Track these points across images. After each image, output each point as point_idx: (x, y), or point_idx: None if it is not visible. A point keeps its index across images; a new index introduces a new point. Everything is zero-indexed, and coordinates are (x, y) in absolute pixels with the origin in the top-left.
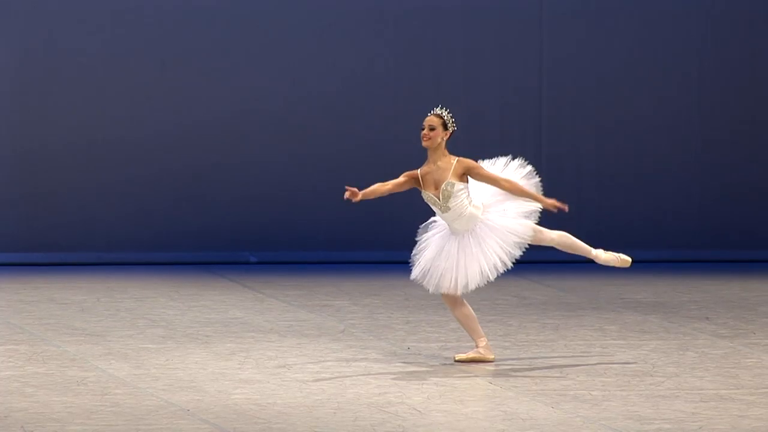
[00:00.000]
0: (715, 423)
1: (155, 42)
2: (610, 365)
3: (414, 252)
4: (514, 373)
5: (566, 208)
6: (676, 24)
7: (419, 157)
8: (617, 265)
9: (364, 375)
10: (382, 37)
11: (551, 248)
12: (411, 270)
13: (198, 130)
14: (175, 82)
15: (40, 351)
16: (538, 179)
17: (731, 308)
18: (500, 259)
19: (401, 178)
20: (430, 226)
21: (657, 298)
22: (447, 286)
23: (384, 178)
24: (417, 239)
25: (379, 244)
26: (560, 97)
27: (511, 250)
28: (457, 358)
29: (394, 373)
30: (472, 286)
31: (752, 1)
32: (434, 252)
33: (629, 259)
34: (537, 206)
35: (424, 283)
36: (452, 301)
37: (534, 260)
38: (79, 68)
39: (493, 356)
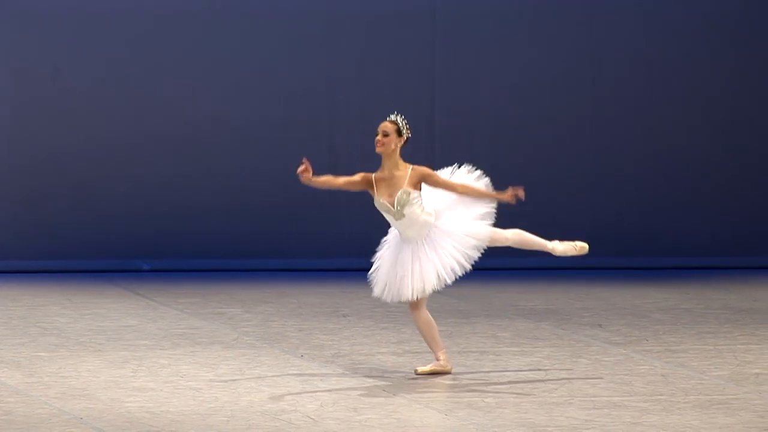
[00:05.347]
0: (609, 430)
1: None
2: (503, 372)
3: (371, 272)
4: (407, 381)
5: (522, 194)
6: (568, 29)
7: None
8: (575, 253)
9: (257, 383)
10: (276, 40)
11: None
12: (370, 287)
13: (91, 140)
14: (66, 92)
15: None
16: (487, 180)
17: (624, 315)
18: (458, 262)
19: (356, 177)
20: (382, 245)
21: (549, 305)
22: (407, 294)
23: (277, 189)
24: (372, 261)
25: (274, 252)
26: (454, 105)
27: (469, 253)
28: (419, 371)
29: (287, 381)
30: (428, 290)
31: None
32: (389, 265)
33: (586, 246)
34: (491, 208)
35: (384, 296)
36: (415, 306)
37: None
38: None
39: (451, 367)
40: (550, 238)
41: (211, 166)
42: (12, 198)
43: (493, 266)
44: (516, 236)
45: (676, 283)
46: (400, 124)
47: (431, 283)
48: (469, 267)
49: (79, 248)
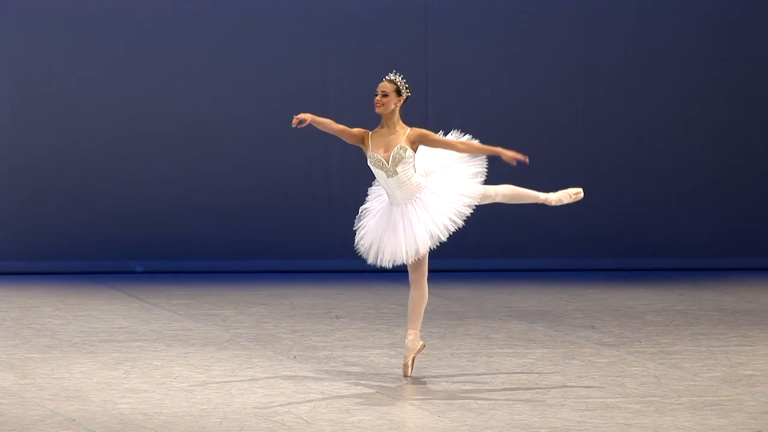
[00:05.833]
0: (602, 431)
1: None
2: (497, 374)
3: (357, 240)
4: (400, 382)
5: (527, 159)
6: (564, 29)
7: (303, 164)
8: (571, 200)
9: (250, 384)
10: (274, 40)
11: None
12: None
13: (86, 142)
14: (61, 94)
15: None
16: (477, 141)
17: (617, 317)
18: (450, 219)
19: (354, 129)
20: (363, 213)
21: (543, 306)
22: (402, 258)
23: (274, 189)
24: (354, 228)
25: (266, 254)
26: (447, 104)
27: (461, 210)
28: (409, 374)
29: (280, 383)
30: (422, 250)
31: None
32: (380, 230)
33: (581, 190)
34: (482, 168)
35: (379, 261)
36: (419, 276)
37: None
38: None
39: (418, 345)
40: (546, 240)
41: (210, 166)
42: (4, 200)
43: (487, 268)
44: (508, 190)
45: (670, 285)
46: (399, 83)
47: (425, 244)
48: (461, 224)
49: (71, 250)
